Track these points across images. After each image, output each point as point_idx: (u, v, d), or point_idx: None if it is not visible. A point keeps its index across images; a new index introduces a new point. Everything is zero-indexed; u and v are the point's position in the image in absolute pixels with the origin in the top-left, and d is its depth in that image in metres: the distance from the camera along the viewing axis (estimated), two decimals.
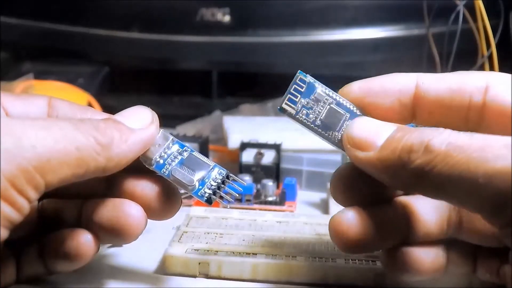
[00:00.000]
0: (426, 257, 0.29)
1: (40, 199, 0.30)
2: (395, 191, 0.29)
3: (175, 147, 0.30)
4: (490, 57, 0.46)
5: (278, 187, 0.46)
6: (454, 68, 0.48)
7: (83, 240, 0.29)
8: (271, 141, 0.47)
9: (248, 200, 0.43)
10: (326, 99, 0.28)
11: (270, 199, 0.43)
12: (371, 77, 0.29)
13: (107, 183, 0.30)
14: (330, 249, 0.34)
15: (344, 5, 0.66)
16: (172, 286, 0.32)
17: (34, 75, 0.59)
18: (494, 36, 0.46)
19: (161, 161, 0.29)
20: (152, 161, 0.29)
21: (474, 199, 0.23)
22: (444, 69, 0.49)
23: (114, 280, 0.32)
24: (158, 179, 0.30)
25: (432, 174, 0.24)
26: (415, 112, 0.28)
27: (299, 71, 0.29)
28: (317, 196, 0.47)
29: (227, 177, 0.30)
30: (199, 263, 0.32)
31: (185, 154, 0.30)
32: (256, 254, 0.33)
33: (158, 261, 0.34)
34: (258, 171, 0.47)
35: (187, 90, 0.74)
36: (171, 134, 0.31)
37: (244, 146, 0.47)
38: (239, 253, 0.33)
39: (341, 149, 0.28)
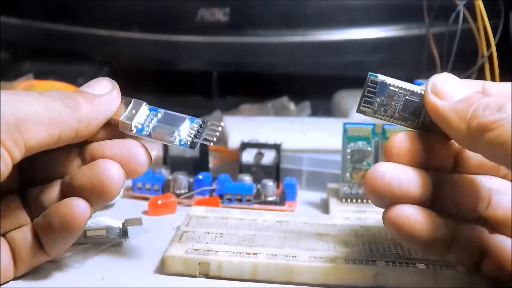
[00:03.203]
0: (425, 220, 0.29)
1: (24, 190, 0.32)
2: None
3: (149, 112, 0.32)
4: (490, 57, 0.46)
5: (278, 187, 0.45)
6: (454, 68, 0.48)
7: (75, 205, 0.30)
8: (271, 141, 0.47)
9: (248, 200, 0.43)
10: (400, 92, 0.30)
11: (270, 199, 0.44)
12: None
13: (81, 158, 0.32)
14: (330, 249, 0.34)
15: (344, 5, 0.66)
16: (172, 286, 0.32)
17: (34, 75, 0.60)
18: (494, 36, 0.46)
19: (139, 126, 0.32)
20: (132, 127, 0.32)
21: None
22: (444, 69, 0.49)
23: (114, 280, 0.32)
24: (126, 140, 0.32)
25: (495, 132, 0.26)
26: None
27: (369, 73, 0.30)
28: (317, 196, 0.47)
29: (203, 121, 0.32)
30: (199, 263, 0.32)
31: (159, 115, 0.32)
32: (256, 254, 0.33)
33: (158, 261, 0.34)
34: (258, 171, 0.47)
35: (187, 90, 0.74)
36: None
37: (244, 146, 0.47)
38: (239, 253, 0.33)
39: (425, 131, 0.30)
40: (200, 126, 0.32)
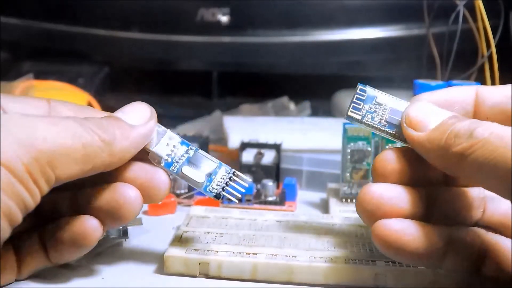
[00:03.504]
0: (414, 232, 0.28)
1: None
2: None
3: (181, 146, 0.32)
4: (490, 57, 0.46)
5: (278, 187, 0.45)
6: (454, 68, 0.48)
7: (89, 224, 0.30)
8: (271, 141, 0.47)
9: (248, 200, 0.43)
10: (387, 102, 0.31)
11: (270, 199, 0.43)
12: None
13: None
14: (330, 249, 0.34)
15: (344, 5, 0.66)
16: (172, 286, 0.32)
17: (34, 75, 0.60)
18: (494, 36, 0.46)
19: (169, 160, 0.31)
20: (162, 160, 0.31)
21: (506, 185, 0.24)
22: (444, 69, 0.49)
23: (114, 280, 0.32)
24: (148, 165, 0.31)
25: (471, 157, 0.25)
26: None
27: (359, 82, 0.31)
28: (317, 196, 0.47)
29: (233, 174, 0.32)
30: (199, 263, 0.32)
31: (191, 153, 0.32)
32: (256, 254, 0.33)
33: (158, 261, 0.34)
34: (258, 171, 0.47)
35: (187, 90, 0.74)
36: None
37: (244, 146, 0.47)
38: (239, 253, 0.33)
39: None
40: (230, 179, 0.32)
